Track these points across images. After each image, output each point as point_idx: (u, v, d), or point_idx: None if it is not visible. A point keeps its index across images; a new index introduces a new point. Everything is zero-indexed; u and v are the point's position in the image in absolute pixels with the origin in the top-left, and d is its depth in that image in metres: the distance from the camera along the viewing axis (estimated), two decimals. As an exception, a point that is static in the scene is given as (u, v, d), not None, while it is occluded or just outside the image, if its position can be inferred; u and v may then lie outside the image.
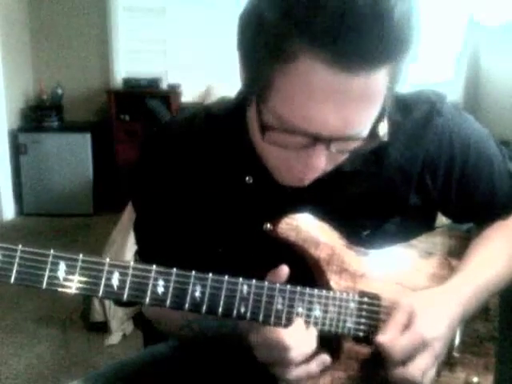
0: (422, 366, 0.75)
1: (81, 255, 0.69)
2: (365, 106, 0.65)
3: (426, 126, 0.84)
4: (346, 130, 0.66)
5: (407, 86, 0.85)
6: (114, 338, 2.43)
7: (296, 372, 0.74)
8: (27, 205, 4.22)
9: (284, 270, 0.76)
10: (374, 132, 0.70)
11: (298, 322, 0.76)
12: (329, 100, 0.63)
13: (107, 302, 2.39)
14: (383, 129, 0.72)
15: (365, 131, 0.69)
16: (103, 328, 2.45)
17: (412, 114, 0.84)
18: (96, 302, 2.42)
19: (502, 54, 3.64)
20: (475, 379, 0.88)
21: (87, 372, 2.04)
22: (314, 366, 0.76)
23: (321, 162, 0.70)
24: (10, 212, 4.17)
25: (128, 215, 2.66)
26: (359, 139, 0.69)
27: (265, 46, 0.64)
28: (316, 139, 0.67)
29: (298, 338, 0.74)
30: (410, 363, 0.75)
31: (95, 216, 4.18)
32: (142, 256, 0.93)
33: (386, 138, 0.74)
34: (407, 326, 0.76)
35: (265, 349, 0.75)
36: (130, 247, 2.34)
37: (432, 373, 0.77)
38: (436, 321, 0.77)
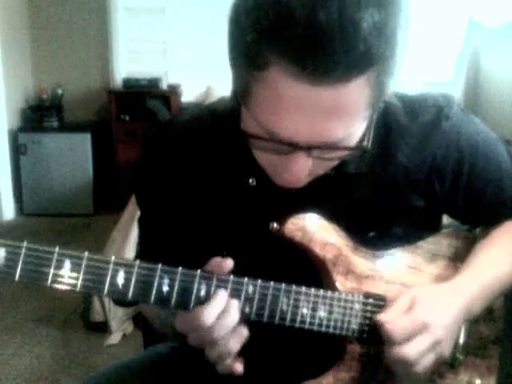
0: (420, 348, 0.75)
1: (86, 253, 0.68)
2: (338, 118, 0.63)
3: (434, 131, 0.83)
4: (321, 139, 0.65)
5: (409, 86, 0.84)
6: (114, 338, 2.43)
7: (219, 348, 0.72)
8: (27, 205, 4.21)
9: (228, 264, 0.73)
10: (360, 142, 0.69)
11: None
12: (299, 111, 0.62)
13: (107, 302, 2.39)
14: (367, 138, 0.71)
15: (347, 140, 0.67)
16: (103, 328, 2.45)
17: (419, 118, 0.83)
18: (96, 302, 2.42)
19: (502, 55, 3.64)
20: (478, 381, 0.88)
21: (87, 372, 2.04)
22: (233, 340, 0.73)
23: (303, 169, 0.69)
24: (9, 212, 4.17)
25: (128, 215, 2.65)
26: (341, 148, 0.68)
27: (243, 50, 0.64)
28: (295, 147, 0.66)
29: (212, 311, 0.71)
30: (407, 344, 0.74)
31: (95, 216, 4.17)
32: (143, 251, 0.92)
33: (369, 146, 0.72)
34: (409, 310, 0.76)
35: (186, 329, 0.73)
36: (131, 247, 2.34)
37: (429, 359, 0.76)
38: (438, 308, 0.78)
